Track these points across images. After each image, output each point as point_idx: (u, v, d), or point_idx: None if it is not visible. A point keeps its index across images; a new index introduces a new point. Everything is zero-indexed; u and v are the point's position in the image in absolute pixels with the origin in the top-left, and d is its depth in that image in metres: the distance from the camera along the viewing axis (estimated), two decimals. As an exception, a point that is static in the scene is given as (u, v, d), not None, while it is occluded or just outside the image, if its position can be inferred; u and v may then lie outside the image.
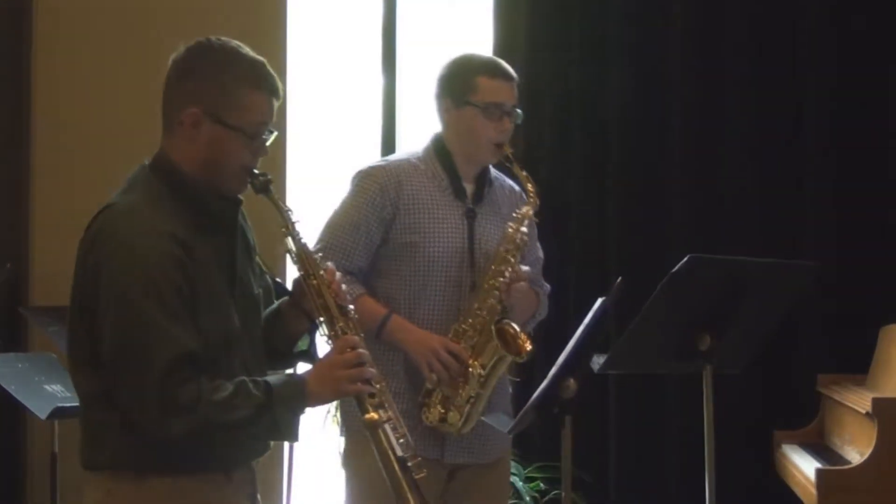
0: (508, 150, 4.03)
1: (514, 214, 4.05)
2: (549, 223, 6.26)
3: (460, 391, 3.89)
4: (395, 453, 3.07)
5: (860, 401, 4.87)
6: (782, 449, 5.54)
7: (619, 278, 3.76)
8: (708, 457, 3.84)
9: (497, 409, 4.03)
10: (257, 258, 3.26)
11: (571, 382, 3.59)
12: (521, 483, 5.97)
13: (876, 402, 4.66)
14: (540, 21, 6.34)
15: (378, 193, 3.99)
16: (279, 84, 3.08)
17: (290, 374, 3.12)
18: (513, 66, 6.22)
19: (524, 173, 4.10)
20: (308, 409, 3.05)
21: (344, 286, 3.19)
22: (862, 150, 6.24)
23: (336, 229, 3.98)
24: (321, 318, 3.11)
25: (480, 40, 6.37)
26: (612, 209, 6.35)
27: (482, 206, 4.07)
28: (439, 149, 4.07)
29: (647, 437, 6.27)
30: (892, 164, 6.21)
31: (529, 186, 4.09)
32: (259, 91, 3.03)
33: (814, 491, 4.66)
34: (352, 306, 3.17)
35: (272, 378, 3.01)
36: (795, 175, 6.29)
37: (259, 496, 3.25)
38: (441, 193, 4.01)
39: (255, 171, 3.05)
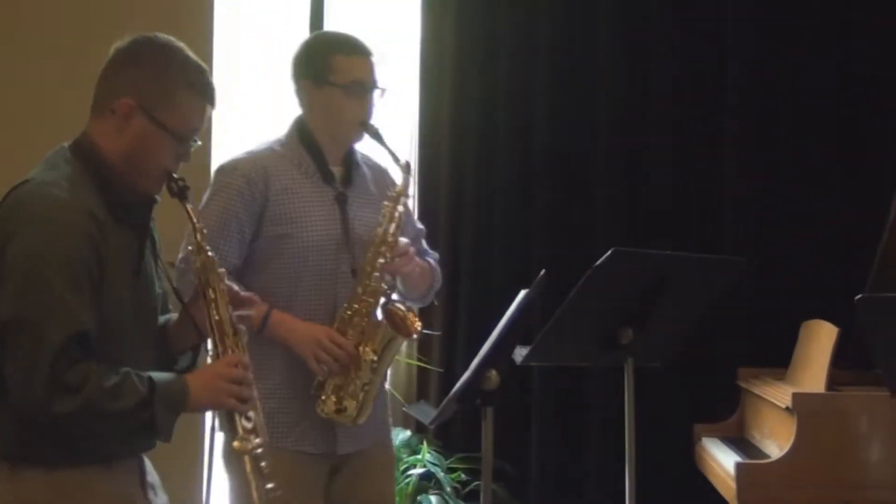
0: (374, 128, 3.93)
1: (389, 193, 3.95)
2: (474, 215, 6.32)
3: (353, 379, 3.82)
4: (256, 484, 3.04)
5: (780, 395, 4.90)
6: (702, 442, 5.56)
7: (543, 271, 3.76)
8: (628, 449, 3.85)
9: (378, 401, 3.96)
10: (161, 262, 3.21)
11: (493, 374, 3.58)
12: (442, 474, 5.96)
13: (795, 396, 4.68)
14: (468, 11, 6.33)
15: (245, 186, 3.85)
16: (216, 94, 3.06)
17: (173, 375, 3.05)
18: (441, 58, 6.32)
19: (392, 150, 3.97)
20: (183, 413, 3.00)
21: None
22: (784, 147, 6.28)
23: (205, 227, 3.85)
24: (213, 334, 3.07)
25: (407, 29, 6.36)
26: (538, 202, 6.34)
27: (352, 189, 3.96)
28: (303, 133, 3.95)
29: (568, 429, 6.28)
30: (814, 160, 6.26)
31: (400, 163, 3.96)
32: (198, 97, 3.02)
33: (733, 484, 4.67)
34: (243, 327, 3.13)
35: (156, 374, 2.95)
36: (718, 171, 6.32)
37: (155, 482, 3.20)
38: (308, 180, 3.90)
39: (175, 176, 3.01)
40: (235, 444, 3.03)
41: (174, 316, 3.25)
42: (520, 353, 3.89)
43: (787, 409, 4.72)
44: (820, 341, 4.99)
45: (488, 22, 6.36)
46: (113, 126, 2.98)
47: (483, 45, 6.37)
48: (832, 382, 4.82)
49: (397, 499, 5.88)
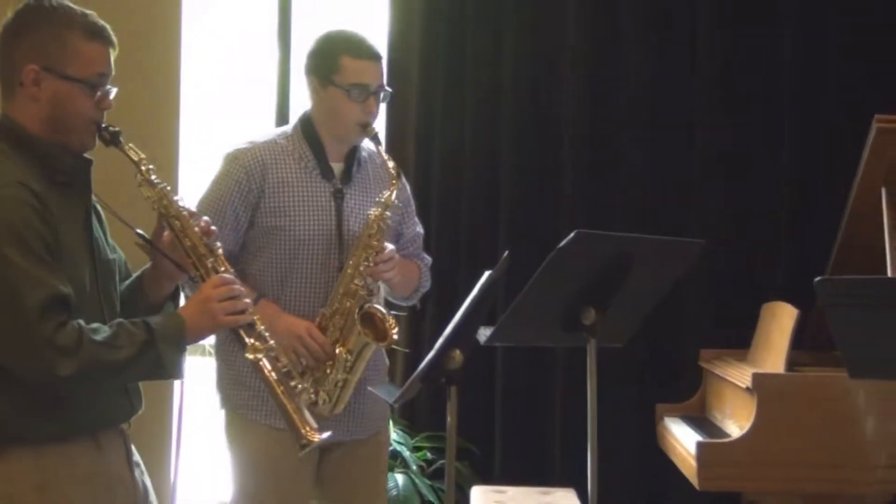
0: (374, 131, 3.99)
1: (378, 199, 4.00)
2: (441, 197, 6.32)
3: (329, 375, 3.86)
4: (277, 382, 3.12)
5: (740, 375, 4.92)
6: (664, 422, 5.59)
7: (506, 253, 3.77)
8: (591, 429, 3.85)
9: (374, 385, 4.01)
10: (106, 227, 3.22)
11: (458, 354, 3.58)
12: (408, 452, 5.98)
13: (756, 377, 4.70)
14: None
15: (244, 177, 3.93)
16: (112, 35, 3.07)
17: (166, 312, 3.10)
18: (408, 42, 6.31)
19: (387, 156, 4.05)
20: (188, 345, 3.07)
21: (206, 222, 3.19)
22: (748, 133, 6.30)
23: (203, 211, 3.90)
24: (190, 260, 3.11)
25: (376, 13, 6.35)
26: (504, 184, 6.36)
27: (351, 186, 4.01)
28: (307, 128, 4.02)
29: (532, 408, 6.30)
30: (777, 145, 6.28)
31: (392, 170, 4.03)
32: (95, 41, 3.04)
33: (694, 463, 4.70)
34: (217, 243, 3.17)
35: (149, 317, 3.00)
36: (684, 155, 6.34)
37: (139, 460, 3.21)
38: (307, 174, 3.95)
39: (103, 125, 3.04)
40: (248, 354, 3.09)
41: (146, 268, 3.27)
42: (484, 334, 3.89)
43: (747, 389, 4.74)
44: (780, 323, 5.02)
45: (456, 5, 6.37)
46: (27, 97, 3.01)
47: (451, 21, 6.39)
48: (792, 363, 4.85)
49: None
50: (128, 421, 3.18)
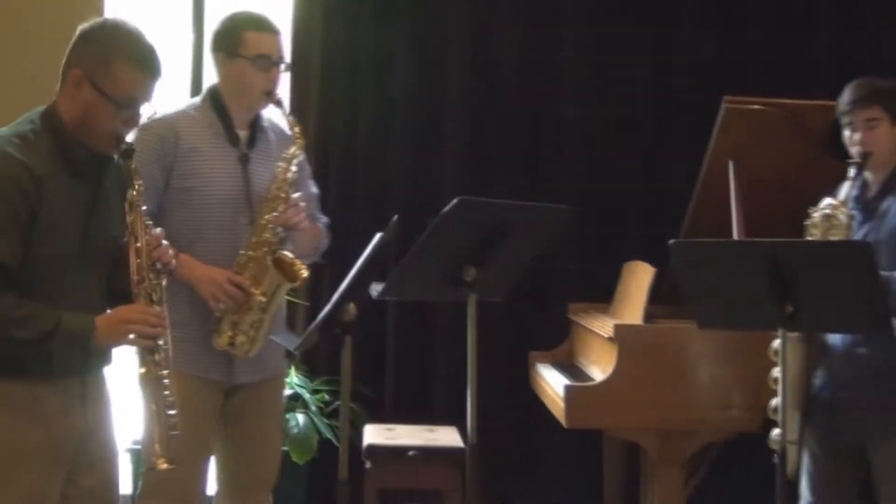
0: (277, 97, 3.97)
1: (283, 155, 3.98)
2: (338, 169, 6.30)
3: (245, 317, 3.84)
4: (158, 407, 3.08)
5: (604, 326, 4.95)
6: (536, 367, 5.62)
7: (396, 216, 3.77)
8: (471, 374, 3.86)
9: (276, 331, 3.99)
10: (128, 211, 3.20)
11: (352, 307, 3.60)
12: (308, 395, 5.98)
13: (617, 327, 4.73)
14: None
15: (158, 143, 3.88)
16: (160, 65, 3.13)
17: (89, 315, 3.06)
18: (311, 22, 6.26)
19: (291, 118, 4.04)
20: (92, 349, 3.06)
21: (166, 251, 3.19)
22: (613, 106, 6.35)
23: None
24: (133, 276, 3.10)
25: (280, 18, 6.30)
26: (395, 154, 6.35)
27: (255, 151, 3.98)
28: (214, 99, 3.98)
29: (419, 356, 6.31)
30: (638, 117, 6.34)
31: (296, 129, 4.02)
32: (136, 69, 3.08)
33: (562, 404, 4.71)
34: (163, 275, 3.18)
35: (72, 314, 3.00)
36: (555, 126, 6.38)
37: (97, 398, 3.20)
38: (216, 140, 3.92)
39: (122, 139, 3.10)
40: (141, 370, 3.08)
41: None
42: (375, 289, 3.89)
43: (609, 338, 4.78)
44: (639, 280, 5.06)
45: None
46: (68, 94, 3.09)
47: (351, 6, 6.35)
48: (649, 315, 4.89)
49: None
50: (82, 374, 3.15)
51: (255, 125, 4.02)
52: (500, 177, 6.31)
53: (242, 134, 3.98)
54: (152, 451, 3.08)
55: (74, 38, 3.12)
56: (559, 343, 5.78)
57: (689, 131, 5.92)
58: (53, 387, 3.06)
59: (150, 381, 3.08)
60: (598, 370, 4.98)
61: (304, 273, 3.92)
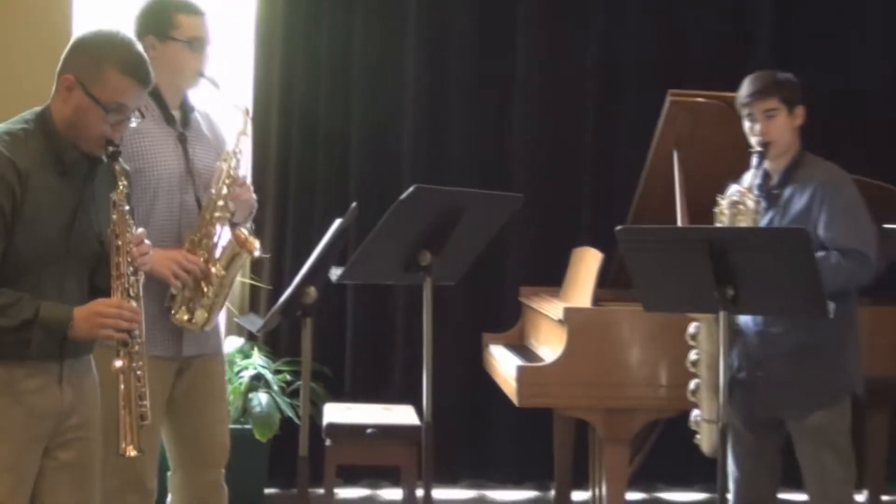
0: (216, 81, 3.90)
1: (232, 138, 3.92)
2: (300, 159, 6.29)
3: (205, 292, 3.80)
4: (129, 399, 3.11)
5: (554, 309, 4.96)
6: (489, 348, 5.63)
7: (354, 203, 3.76)
8: (426, 354, 3.85)
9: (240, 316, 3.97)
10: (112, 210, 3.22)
11: (312, 290, 3.58)
12: (270, 375, 5.96)
13: (566, 310, 4.74)
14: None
15: None
16: (150, 74, 3.16)
17: (67, 307, 3.08)
18: (273, 18, 6.23)
19: (230, 99, 3.96)
20: (69, 339, 3.07)
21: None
22: (564, 99, 6.37)
23: None
24: (115, 273, 3.13)
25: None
26: (355, 144, 6.35)
27: (190, 130, 3.92)
28: None
29: (377, 337, 6.32)
30: (587, 110, 6.37)
31: (241, 108, 3.93)
32: (126, 76, 3.11)
33: (514, 384, 4.72)
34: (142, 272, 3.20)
35: (51, 304, 3.04)
36: (507, 119, 6.41)
37: (75, 380, 3.20)
38: (154, 122, 3.85)
39: (110, 142, 3.13)
40: (117, 362, 3.10)
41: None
42: (335, 273, 3.87)
43: (559, 321, 4.78)
44: (587, 265, 5.07)
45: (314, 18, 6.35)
46: (60, 98, 3.13)
47: (309, 22, 6.34)
48: (596, 299, 4.90)
49: (231, 397, 5.87)
50: (59, 359, 3.16)
51: (186, 106, 3.96)
52: (455, 166, 6.32)
53: (176, 115, 3.92)
54: (122, 438, 3.10)
55: (69, 46, 3.17)
56: (511, 325, 5.79)
57: (635, 123, 5.94)
58: (30, 369, 3.08)
59: (125, 373, 3.10)
60: (549, 351, 4.99)
61: (258, 246, 3.89)
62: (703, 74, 5.96)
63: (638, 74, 6.33)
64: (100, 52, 3.11)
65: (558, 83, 6.38)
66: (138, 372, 3.12)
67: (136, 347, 3.12)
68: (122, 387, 3.10)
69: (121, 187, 3.14)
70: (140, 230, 3.21)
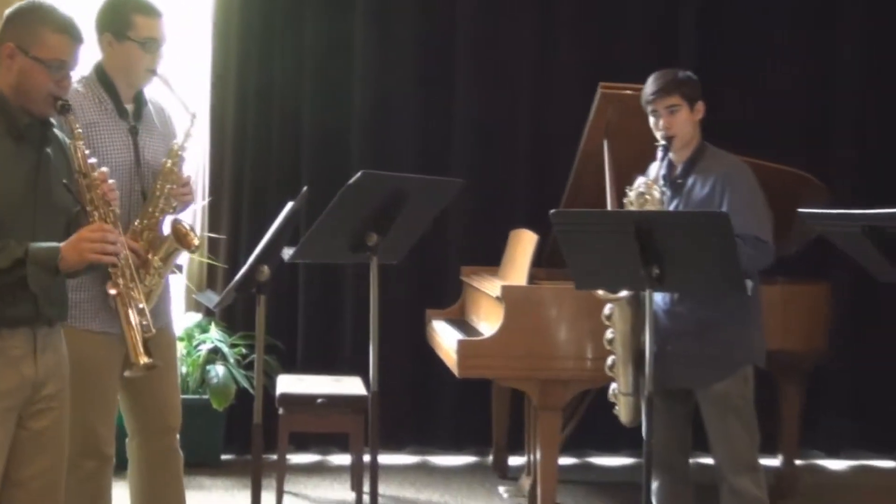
0: (162, 75, 3.85)
1: (178, 133, 3.90)
2: (255, 146, 6.28)
3: (143, 280, 3.75)
4: (128, 317, 3.24)
5: (492, 287, 4.98)
6: (432, 324, 5.65)
7: (305, 187, 3.76)
8: (373, 330, 3.87)
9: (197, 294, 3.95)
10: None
11: (265, 269, 3.58)
12: (226, 348, 5.95)
13: (504, 288, 4.77)
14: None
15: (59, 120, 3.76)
16: (81, 32, 3.21)
17: (52, 244, 3.09)
18: (230, 15, 6.20)
19: (181, 97, 3.88)
20: (61, 271, 3.10)
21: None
22: (501, 93, 6.39)
23: None
24: (91, 207, 3.20)
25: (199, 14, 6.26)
26: (305, 133, 6.34)
27: (142, 123, 3.87)
28: (101, 76, 3.82)
29: (327, 313, 6.31)
30: (522, 104, 6.39)
31: (189, 108, 3.87)
32: (61, 34, 3.16)
33: (455, 356, 4.74)
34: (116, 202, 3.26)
35: (37, 244, 3.06)
36: (448, 105, 6.43)
37: (49, 350, 3.19)
38: (107, 115, 3.80)
39: (59, 98, 3.17)
40: (110, 289, 3.23)
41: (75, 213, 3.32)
42: (287, 252, 3.88)
43: (497, 298, 4.81)
44: (523, 246, 5.10)
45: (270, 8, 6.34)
46: (5, 66, 3.17)
47: (265, 5, 6.31)
48: (532, 277, 4.93)
49: (190, 369, 5.87)
50: (32, 324, 3.15)
51: (140, 99, 3.92)
52: (400, 152, 6.32)
53: (129, 108, 3.88)
54: (133, 353, 3.23)
55: (2, 21, 3.21)
56: (453, 302, 5.82)
57: (569, 115, 5.95)
58: (6, 340, 3.07)
59: (122, 297, 3.22)
60: (487, 326, 5.02)
61: (197, 242, 3.88)
62: (636, 69, 6.01)
63: (572, 69, 6.35)
64: (32, 17, 3.17)
65: (496, 76, 6.39)
66: (132, 292, 3.24)
67: (127, 272, 3.24)
68: (123, 309, 3.24)
69: (77, 128, 3.22)
70: (104, 169, 3.27)
